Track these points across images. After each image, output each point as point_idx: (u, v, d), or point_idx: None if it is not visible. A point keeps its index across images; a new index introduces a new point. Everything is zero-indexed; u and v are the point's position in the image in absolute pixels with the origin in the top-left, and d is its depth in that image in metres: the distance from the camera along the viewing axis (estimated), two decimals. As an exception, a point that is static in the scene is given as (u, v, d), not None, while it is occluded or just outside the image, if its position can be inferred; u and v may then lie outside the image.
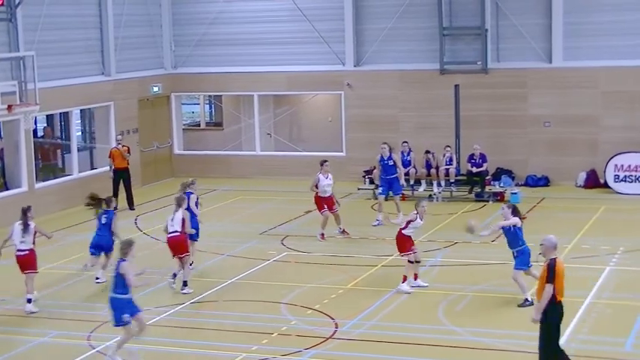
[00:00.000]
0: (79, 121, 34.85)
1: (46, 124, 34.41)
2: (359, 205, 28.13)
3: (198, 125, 38.85)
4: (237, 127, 35.54)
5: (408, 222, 19.41)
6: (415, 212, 19.40)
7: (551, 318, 14.04)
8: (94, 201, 20.79)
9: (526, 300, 18.01)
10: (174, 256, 19.85)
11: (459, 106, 30.15)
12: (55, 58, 28.90)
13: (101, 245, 20.50)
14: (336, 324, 17.46)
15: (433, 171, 29.40)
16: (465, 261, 21.72)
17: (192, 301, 19.12)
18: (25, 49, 26.60)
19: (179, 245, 19.73)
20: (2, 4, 24.23)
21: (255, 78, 33.48)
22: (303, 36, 32.81)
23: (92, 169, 31.80)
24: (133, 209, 28.29)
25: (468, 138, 29.95)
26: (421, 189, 29.41)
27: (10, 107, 23.36)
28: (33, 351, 16.76)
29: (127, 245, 15.81)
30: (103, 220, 20.49)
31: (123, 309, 15.59)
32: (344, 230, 24.44)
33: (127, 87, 32.18)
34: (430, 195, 29.01)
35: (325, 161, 24.70)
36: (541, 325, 14.10)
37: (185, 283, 19.72)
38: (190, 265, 20.36)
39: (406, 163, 29.26)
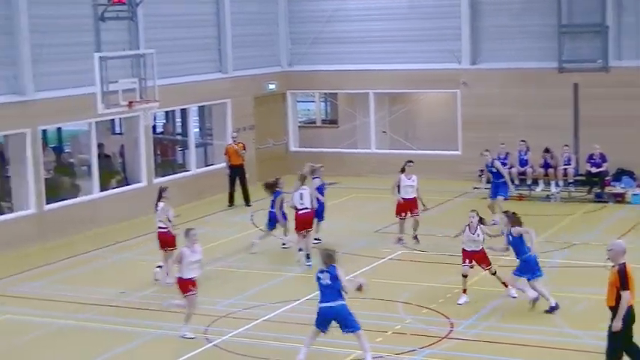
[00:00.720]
0: (196, 118, 35.34)
1: (165, 121, 35.03)
2: (474, 204, 27.72)
3: (314, 123, 38.97)
4: (353, 125, 35.54)
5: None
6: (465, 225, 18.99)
7: (625, 324, 13.69)
8: (269, 187, 23.20)
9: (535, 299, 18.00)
10: (300, 230, 21.26)
11: (578, 105, 29.60)
12: (174, 56, 29.34)
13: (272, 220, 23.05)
14: (451, 324, 17.33)
15: (551, 170, 28.90)
16: (584, 263, 21.32)
17: (307, 297, 19.17)
18: (146, 47, 27.05)
19: (309, 221, 21.92)
20: (124, 3, 24.64)
21: (370, 76, 33.43)
22: (418, 34, 32.62)
23: (207, 165, 32.15)
24: (250, 205, 28.57)
25: (587, 138, 29.41)
26: (538, 189, 28.97)
27: (130, 104, 23.75)
28: (151, 343, 17.03)
29: (332, 253, 15.48)
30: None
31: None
32: (416, 236, 23.39)
33: (243, 84, 32.48)
34: (547, 195, 28.58)
35: (410, 161, 23.99)
36: (614, 331, 13.74)
37: (308, 256, 21.55)
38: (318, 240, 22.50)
39: (523, 163, 28.92)
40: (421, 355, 15.88)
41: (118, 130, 34.61)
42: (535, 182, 29.03)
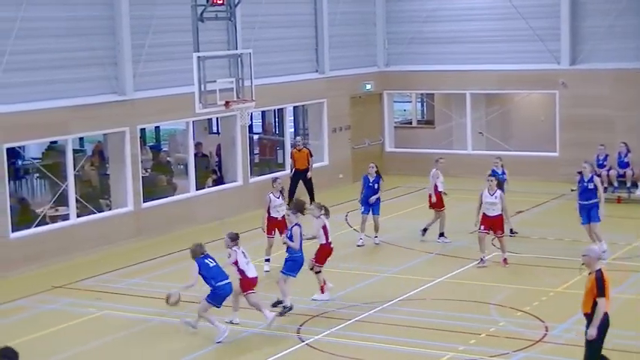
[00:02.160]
0: (292, 118, 35.52)
1: (261, 120, 35.30)
2: (571, 206, 27.35)
3: (410, 123, 38.88)
4: (449, 126, 35.35)
5: None
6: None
7: (600, 332, 13.52)
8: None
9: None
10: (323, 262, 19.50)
11: (680, 106, 29.02)
12: (271, 56, 29.56)
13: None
14: (546, 327, 17.12)
15: (652, 173, 28.34)
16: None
17: (399, 298, 19.13)
18: (243, 46, 27.28)
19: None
20: (223, 4, 24.86)
21: (467, 76, 33.21)
22: (517, 34, 32.29)
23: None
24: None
25: (690, 140, 28.81)
26: (638, 192, 28.40)
27: (227, 104, 23.93)
28: (244, 340, 17.16)
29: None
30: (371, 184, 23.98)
31: None
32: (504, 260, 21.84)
33: (339, 84, 32.55)
34: (648, 198, 28.05)
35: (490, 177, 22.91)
36: (589, 339, 13.59)
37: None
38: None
39: (622, 165, 28.44)
40: (515, 358, 15.71)
41: (215, 129, 35.02)
42: (635, 185, 28.47)
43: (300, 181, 28.60)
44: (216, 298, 17.15)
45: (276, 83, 29.74)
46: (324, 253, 19.37)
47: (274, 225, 21.87)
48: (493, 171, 24.32)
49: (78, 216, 24.06)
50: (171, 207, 26.36)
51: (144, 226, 25.38)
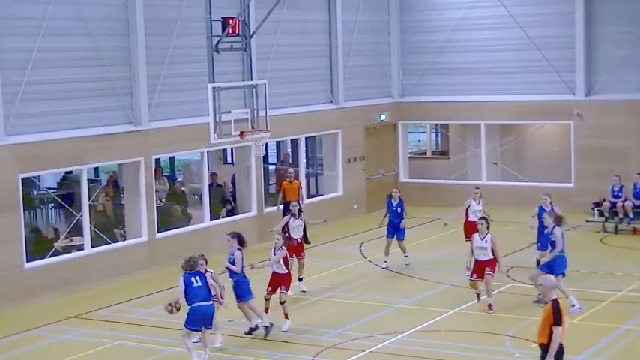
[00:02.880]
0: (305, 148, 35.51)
1: (276, 151, 35.34)
2: (587, 237, 27.35)
3: (424, 154, 38.88)
4: (463, 156, 35.33)
5: None
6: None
7: None
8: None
9: None
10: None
11: (695, 137, 28.97)
12: (286, 87, 29.65)
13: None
14: (561, 359, 16.98)
15: (667, 204, 28.16)
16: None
17: (414, 329, 19.06)
18: (258, 77, 27.37)
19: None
20: (238, 35, 24.98)
21: (481, 107, 33.23)
22: (531, 65, 32.32)
23: (318, 195, 32.26)
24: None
25: None
26: (654, 223, 28.28)
27: (242, 134, 24.00)
28: (258, 372, 17.13)
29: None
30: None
31: None
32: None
33: (354, 115, 32.61)
34: (663, 230, 27.93)
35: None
36: None
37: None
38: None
39: (638, 196, 28.33)
40: (529, 390, 15.61)
41: (229, 159, 35.08)
42: (651, 216, 28.36)
43: None
44: (190, 320, 16.91)
45: (291, 114, 29.81)
46: (280, 281, 19.52)
47: (291, 249, 21.30)
48: (540, 209, 22.73)
49: (92, 246, 24.10)
50: (186, 237, 26.35)
51: (158, 257, 25.38)
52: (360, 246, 27.48)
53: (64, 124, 23.48)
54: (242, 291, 18.89)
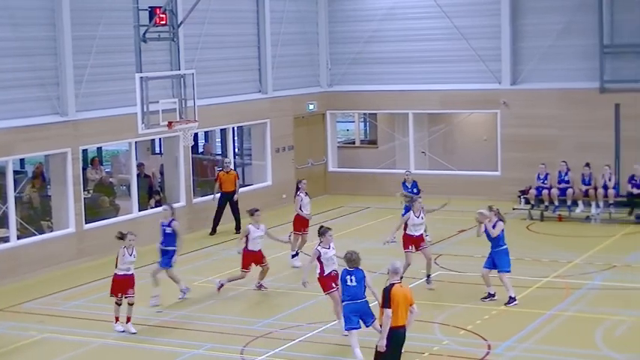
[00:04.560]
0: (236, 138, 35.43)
1: (204, 141, 35.19)
2: (514, 225, 27.64)
3: (353, 143, 39.02)
4: (392, 145, 35.52)
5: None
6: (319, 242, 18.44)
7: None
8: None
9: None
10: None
11: (619, 125, 29.45)
12: (214, 76, 29.54)
13: None
14: (489, 345, 17.22)
15: (591, 191, 28.61)
16: (624, 285, 21.12)
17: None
18: (186, 67, 27.24)
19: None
20: (165, 24, 24.83)
21: (409, 96, 33.43)
22: (458, 54, 32.61)
23: (245, 185, 32.20)
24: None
25: (629, 159, 29.19)
26: (578, 210, 28.71)
27: (170, 124, 23.89)
28: (188, 362, 17.10)
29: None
30: None
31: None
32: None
33: (282, 105, 32.61)
34: (588, 216, 28.37)
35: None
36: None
37: None
38: None
39: (564, 183, 28.74)
40: (458, 376, 15.79)
41: (158, 150, 34.85)
42: (575, 203, 28.77)
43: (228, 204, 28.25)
44: None
45: (220, 104, 29.70)
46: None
47: (251, 259, 21.30)
48: (403, 184, 25.74)
49: (18, 238, 23.79)
50: (114, 228, 25.95)
51: (86, 248, 25.15)
52: (290, 235, 27.45)
53: (-11, 114, 23.15)
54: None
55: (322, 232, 18.31)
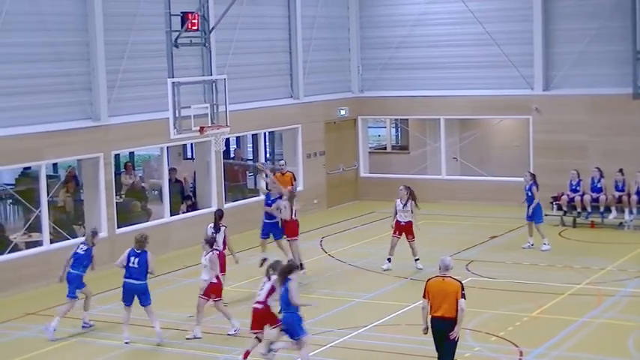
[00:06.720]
0: (267, 144, 35.52)
1: (236, 146, 35.27)
2: (546, 231, 27.51)
3: (385, 148, 38.98)
4: (423, 151, 35.46)
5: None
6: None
7: None
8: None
9: None
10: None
11: (652, 131, 29.27)
12: (246, 82, 29.59)
13: None
14: (520, 352, 17.15)
15: (625, 198, 28.39)
16: (657, 292, 20.99)
17: (374, 323, 19.11)
18: (217, 72, 27.33)
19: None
20: (197, 30, 24.93)
21: (441, 102, 33.36)
22: (490, 60, 32.49)
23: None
24: None
25: (662, 165, 29.01)
26: (611, 216, 28.51)
27: (202, 129, 23.97)
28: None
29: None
30: None
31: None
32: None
33: (314, 110, 32.63)
34: (621, 223, 28.18)
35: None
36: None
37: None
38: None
39: (596, 190, 28.58)
40: (489, 383, 15.72)
41: (189, 155, 34.98)
42: (608, 209, 28.57)
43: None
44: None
45: (251, 109, 29.76)
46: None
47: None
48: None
49: (51, 242, 23.93)
50: (146, 232, 26.14)
51: (118, 252, 25.15)
52: (321, 241, 27.51)
53: (23, 119, 23.30)
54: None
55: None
